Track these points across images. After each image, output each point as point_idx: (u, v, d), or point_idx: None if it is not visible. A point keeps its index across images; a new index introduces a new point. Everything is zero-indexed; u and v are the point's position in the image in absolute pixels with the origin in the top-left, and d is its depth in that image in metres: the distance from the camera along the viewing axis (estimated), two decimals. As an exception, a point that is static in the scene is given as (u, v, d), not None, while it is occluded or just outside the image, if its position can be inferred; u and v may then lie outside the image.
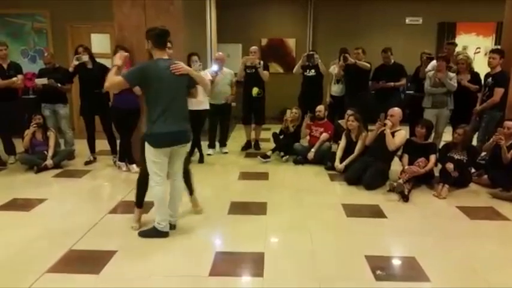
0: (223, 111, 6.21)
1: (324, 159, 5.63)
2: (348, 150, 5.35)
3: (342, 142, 5.45)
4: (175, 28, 5.33)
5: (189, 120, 3.47)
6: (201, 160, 5.81)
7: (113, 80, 3.21)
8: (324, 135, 5.79)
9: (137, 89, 3.92)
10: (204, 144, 6.05)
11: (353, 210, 4.10)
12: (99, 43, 7.48)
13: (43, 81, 5.56)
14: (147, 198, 3.64)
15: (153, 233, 3.43)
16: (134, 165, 5.30)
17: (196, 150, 5.83)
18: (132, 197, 4.40)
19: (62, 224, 3.73)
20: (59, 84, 5.63)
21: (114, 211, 4.08)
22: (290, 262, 3.08)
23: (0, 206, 4.12)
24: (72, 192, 4.64)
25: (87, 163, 5.66)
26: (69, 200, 4.39)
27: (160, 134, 3.24)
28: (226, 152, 6.38)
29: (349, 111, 5.56)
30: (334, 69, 6.83)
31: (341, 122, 5.96)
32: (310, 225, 3.75)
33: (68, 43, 7.68)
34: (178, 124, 3.31)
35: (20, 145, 5.60)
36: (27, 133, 5.41)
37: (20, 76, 5.61)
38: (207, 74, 5.67)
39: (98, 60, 5.59)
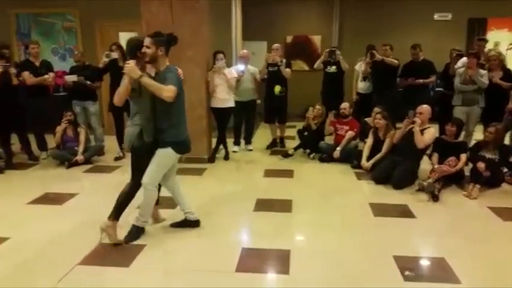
0: (248, 109, 6.23)
1: (350, 157, 5.57)
2: (375, 148, 5.27)
3: (369, 140, 5.37)
4: (200, 26, 5.40)
5: None
6: (226, 157, 5.85)
7: (170, 89, 3.01)
8: (350, 133, 5.73)
9: None
10: (230, 141, 6.08)
11: (380, 210, 4.04)
12: (128, 41, 7.61)
13: (73, 78, 5.71)
14: (164, 193, 3.67)
15: (137, 232, 3.40)
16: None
17: (221, 147, 5.86)
18: (161, 192, 4.49)
19: (92, 218, 3.81)
20: (88, 82, 5.77)
21: (143, 206, 4.15)
22: (316, 260, 3.07)
23: (33, 200, 4.26)
24: (102, 187, 4.75)
25: (116, 159, 5.78)
26: (100, 194, 4.50)
27: (187, 139, 3.34)
28: (251, 150, 6.40)
29: (376, 109, 5.47)
30: (360, 66, 6.76)
31: (368, 120, 5.88)
32: (336, 224, 3.72)
33: (97, 41, 7.85)
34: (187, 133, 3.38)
35: (51, 141, 5.76)
36: (59, 129, 5.56)
37: (51, 74, 5.78)
38: (232, 72, 5.71)
39: (125, 58, 5.68)
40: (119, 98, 3.13)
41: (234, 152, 6.18)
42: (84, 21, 7.92)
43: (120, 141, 5.86)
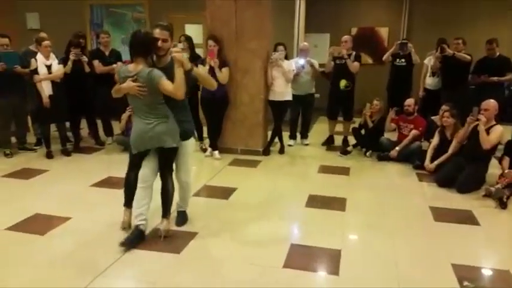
0: (306, 103, 6.12)
1: (412, 157, 5.30)
2: (441, 149, 4.95)
3: (435, 140, 5.06)
4: (263, 18, 5.38)
5: None
6: (281, 150, 5.82)
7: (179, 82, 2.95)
8: (414, 133, 5.42)
9: None
10: (285, 134, 6.03)
11: (442, 214, 3.81)
12: (193, 33, 7.79)
13: None
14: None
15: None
16: (216, 152, 5.49)
17: (277, 140, 5.84)
18: (215, 182, 4.61)
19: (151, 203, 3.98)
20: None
21: (197, 194, 4.26)
22: (368, 263, 2.97)
23: (96, 182, 4.52)
24: (161, 174, 4.93)
25: (175, 147, 5.96)
26: (158, 181, 4.65)
27: (191, 130, 3.38)
28: (307, 144, 6.30)
29: (444, 107, 5.12)
30: (430, 60, 6.41)
31: (435, 118, 5.55)
32: (392, 226, 3.57)
33: (164, 33, 8.10)
34: None
35: (117, 127, 6.07)
36: (124, 117, 5.84)
37: (119, 63, 6.05)
38: (291, 64, 5.64)
39: (189, 49, 5.81)
40: (182, 90, 2.99)
41: (290, 145, 6.13)
42: (152, 13, 8.20)
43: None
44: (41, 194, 4.20)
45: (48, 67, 5.21)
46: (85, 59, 5.63)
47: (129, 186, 3.34)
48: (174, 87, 2.93)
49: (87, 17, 8.43)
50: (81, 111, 5.82)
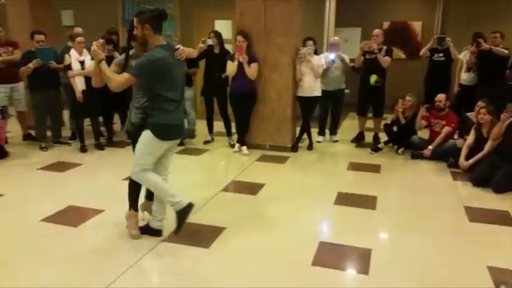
0: (335, 98, 6.02)
1: (446, 155, 5.14)
2: (476, 147, 4.78)
3: (470, 137, 4.89)
4: (292, 13, 5.34)
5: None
6: (310, 147, 5.76)
7: (119, 80, 2.81)
8: (447, 129, 5.24)
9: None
10: (314, 131, 5.96)
11: (477, 215, 3.68)
12: (222, 29, 7.81)
13: None
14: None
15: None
16: (245, 148, 5.50)
17: (305, 136, 5.78)
18: (243, 177, 4.62)
19: (180, 197, 4.03)
20: (185, 68, 6.03)
21: (226, 189, 4.29)
22: (399, 263, 2.90)
23: (128, 176, 4.59)
24: (191, 169, 5.00)
25: (205, 142, 6.02)
26: (188, 175, 4.72)
27: (174, 125, 3.02)
28: (336, 141, 6.22)
29: (480, 103, 4.91)
30: (465, 55, 6.20)
31: (470, 114, 5.35)
32: (425, 226, 3.47)
33: (194, 29, 8.16)
34: (182, 116, 3.14)
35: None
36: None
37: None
38: (320, 59, 5.56)
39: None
40: (94, 80, 3.02)
41: (318, 142, 6.05)
42: (183, 9, 8.27)
43: (210, 126, 6.08)
44: (75, 187, 4.33)
45: (82, 63, 5.34)
46: (117, 55, 5.73)
47: None
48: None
49: (120, 14, 8.58)
50: (114, 106, 5.94)
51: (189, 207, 3.10)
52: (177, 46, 3.00)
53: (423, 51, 6.35)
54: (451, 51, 6.07)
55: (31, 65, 5.26)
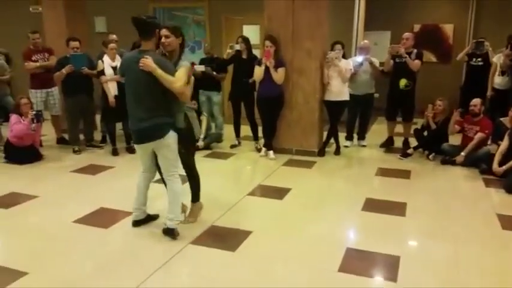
0: (364, 103, 5.94)
1: (479, 162, 4.98)
2: (510, 153, 4.63)
3: (504, 143, 4.73)
4: (320, 18, 5.32)
5: (163, 114, 3.12)
6: (337, 152, 5.71)
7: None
8: (480, 135, 5.09)
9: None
10: (341, 135, 5.91)
11: (510, 223, 3.56)
12: (251, 34, 7.87)
13: (201, 68, 6.13)
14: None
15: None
16: (271, 152, 5.51)
17: (332, 141, 5.74)
18: (270, 182, 4.63)
19: (207, 200, 4.06)
20: (214, 73, 6.13)
21: (252, 193, 4.31)
22: (429, 271, 2.84)
23: (158, 178, 4.65)
24: (218, 172, 5.04)
25: (232, 146, 6.07)
26: (215, 179, 4.77)
27: (132, 130, 3.27)
28: (364, 145, 6.13)
29: (515, 108, 4.80)
30: (499, 58, 6.01)
31: (504, 119, 5.19)
32: (455, 233, 3.38)
33: (222, 34, 8.26)
34: (138, 123, 3.13)
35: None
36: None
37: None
38: (349, 63, 5.51)
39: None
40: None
41: (346, 147, 6.00)
42: (212, 15, 8.38)
43: (237, 130, 6.13)
44: (106, 189, 4.44)
45: (114, 68, 5.49)
46: (148, 61, 5.87)
47: None
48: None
49: (150, 20, 8.77)
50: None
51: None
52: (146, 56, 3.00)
53: (460, 56, 6.20)
54: (490, 55, 5.90)
55: (64, 71, 5.45)
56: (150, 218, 3.57)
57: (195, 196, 3.63)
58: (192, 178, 3.60)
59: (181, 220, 3.40)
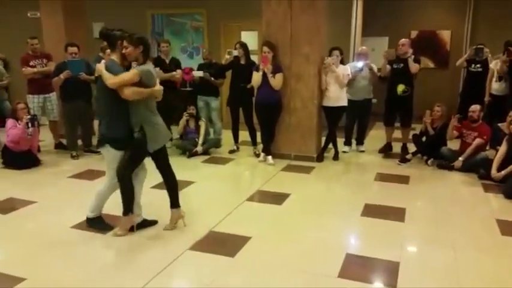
0: (362, 108, 5.95)
1: (477, 167, 4.99)
2: (509, 158, 4.64)
3: (502, 148, 4.74)
4: (318, 23, 5.34)
5: (109, 123, 3.31)
6: (335, 157, 5.71)
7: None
8: (478, 141, 5.10)
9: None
10: (340, 141, 5.92)
11: (510, 228, 3.56)
12: (249, 40, 7.89)
13: (199, 73, 6.15)
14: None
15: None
16: (270, 157, 5.50)
17: (331, 146, 5.74)
18: (269, 187, 4.62)
19: (205, 206, 4.08)
20: (212, 78, 6.14)
21: (251, 199, 4.30)
22: (428, 278, 2.83)
23: (156, 184, 4.65)
24: (216, 178, 5.04)
25: (231, 152, 6.07)
26: (213, 184, 4.77)
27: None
28: (362, 151, 6.14)
29: (512, 113, 4.81)
30: (496, 64, 6.05)
31: (501, 125, 5.20)
32: (455, 239, 3.38)
33: (221, 40, 8.28)
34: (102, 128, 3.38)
35: (175, 132, 6.26)
36: (181, 122, 6.04)
37: (178, 71, 6.27)
38: (346, 69, 5.53)
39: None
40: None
41: (344, 152, 6.00)
42: (210, 21, 8.41)
43: (235, 135, 6.13)
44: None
45: (113, 74, 5.48)
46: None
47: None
48: None
49: (149, 26, 8.80)
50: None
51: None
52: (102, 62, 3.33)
53: (460, 62, 6.23)
54: (489, 62, 5.94)
55: (61, 76, 5.45)
56: (147, 223, 3.56)
57: (124, 207, 3.42)
58: (121, 188, 3.40)
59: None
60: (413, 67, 5.58)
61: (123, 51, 3.23)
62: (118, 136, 3.28)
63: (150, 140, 3.34)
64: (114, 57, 3.28)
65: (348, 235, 3.60)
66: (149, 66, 3.31)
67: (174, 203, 3.57)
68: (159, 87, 3.32)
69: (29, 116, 5.15)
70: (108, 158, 3.38)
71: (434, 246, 3.27)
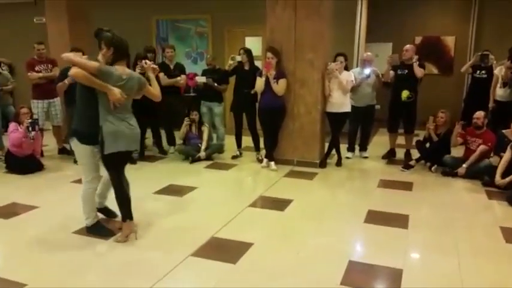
0: (366, 114, 5.94)
1: (480, 174, 4.96)
2: (513, 165, 4.62)
3: (506, 155, 4.71)
4: (322, 29, 5.35)
5: (79, 119, 3.37)
6: (338, 163, 5.69)
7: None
8: (482, 148, 5.07)
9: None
10: (343, 147, 5.90)
11: (515, 236, 3.53)
12: (253, 46, 7.91)
13: (202, 79, 6.16)
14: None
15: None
16: (273, 163, 5.49)
17: (334, 152, 5.72)
18: (271, 193, 4.61)
19: (208, 211, 4.07)
20: (216, 84, 6.14)
21: (253, 205, 4.28)
22: (432, 285, 2.81)
23: (158, 190, 4.69)
24: (219, 183, 5.04)
25: (233, 157, 6.06)
26: (216, 190, 4.76)
27: None
28: (366, 157, 6.12)
29: (517, 120, 4.79)
30: (501, 70, 6.02)
31: (506, 131, 5.17)
32: (458, 247, 3.34)
33: (225, 46, 8.31)
34: None
35: (177, 137, 6.27)
36: (184, 127, 6.04)
37: (183, 76, 6.29)
38: (350, 75, 5.52)
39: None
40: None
41: (347, 158, 5.98)
42: (215, 27, 8.44)
43: (239, 141, 6.13)
44: (107, 200, 4.41)
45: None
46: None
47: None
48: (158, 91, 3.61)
49: (154, 32, 8.84)
50: (147, 121, 6.08)
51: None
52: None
53: (465, 68, 6.21)
54: (494, 68, 5.91)
55: (66, 81, 5.47)
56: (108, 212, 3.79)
57: (121, 214, 3.50)
58: (115, 195, 3.48)
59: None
60: (419, 72, 5.57)
61: (100, 51, 3.34)
62: (81, 129, 3.32)
63: (106, 140, 3.20)
64: (100, 57, 3.35)
65: (350, 242, 3.58)
66: (113, 69, 3.24)
67: (125, 216, 3.44)
68: (115, 89, 3.16)
69: (29, 120, 5.16)
70: (76, 152, 3.45)
71: (438, 254, 3.24)
